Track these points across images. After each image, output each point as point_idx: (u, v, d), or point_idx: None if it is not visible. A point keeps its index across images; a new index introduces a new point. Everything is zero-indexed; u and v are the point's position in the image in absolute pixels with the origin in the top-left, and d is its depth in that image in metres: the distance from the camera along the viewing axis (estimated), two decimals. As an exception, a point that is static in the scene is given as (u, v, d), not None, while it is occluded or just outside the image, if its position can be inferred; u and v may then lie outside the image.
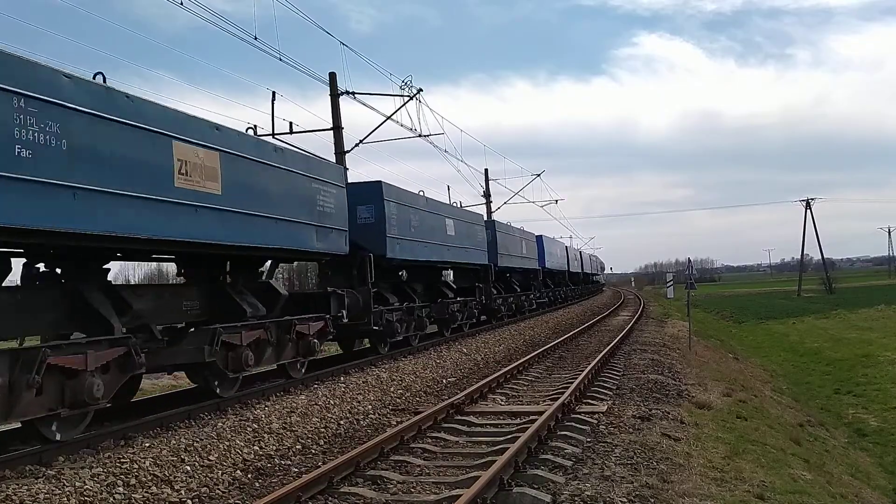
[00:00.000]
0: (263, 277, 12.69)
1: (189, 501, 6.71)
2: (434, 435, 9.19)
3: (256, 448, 8.46)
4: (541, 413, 9.54)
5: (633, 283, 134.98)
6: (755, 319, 51.61)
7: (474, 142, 52.90)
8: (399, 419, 10.40)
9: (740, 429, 11.25)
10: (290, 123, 21.19)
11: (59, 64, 7.53)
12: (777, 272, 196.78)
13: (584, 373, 13.10)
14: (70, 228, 7.34)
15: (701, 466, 7.99)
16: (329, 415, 10.33)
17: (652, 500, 6.47)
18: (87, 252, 8.61)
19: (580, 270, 59.81)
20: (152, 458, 7.43)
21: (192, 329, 10.41)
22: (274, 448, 8.61)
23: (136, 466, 7.14)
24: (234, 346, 10.45)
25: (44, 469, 6.92)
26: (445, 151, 28.88)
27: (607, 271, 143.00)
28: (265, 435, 8.92)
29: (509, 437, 8.65)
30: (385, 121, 23.47)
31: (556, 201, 58.92)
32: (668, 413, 10.71)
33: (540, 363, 16.62)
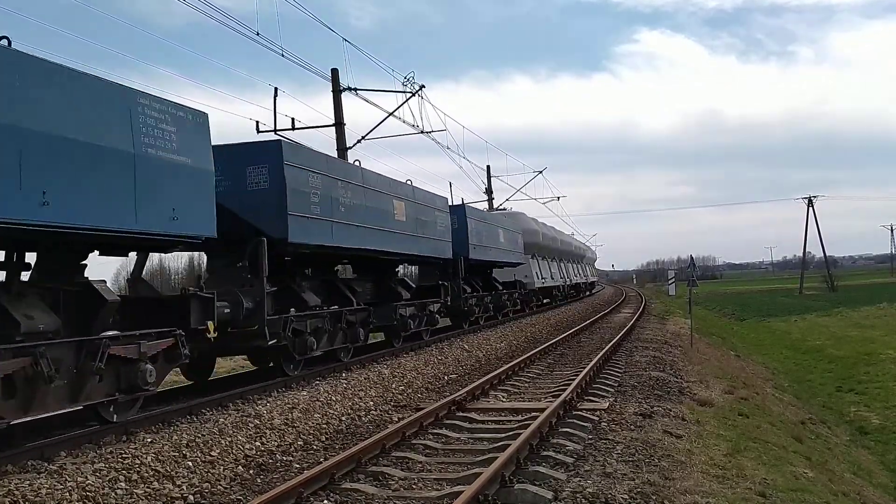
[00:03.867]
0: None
1: (191, 497, 6.71)
2: (436, 431, 9.19)
3: (258, 444, 8.46)
4: (542, 410, 9.54)
5: (634, 280, 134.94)
6: (757, 317, 51.60)
7: (476, 138, 53.18)
8: (401, 416, 10.40)
9: (742, 426, 11.25)
10: (293, 119, 21.25)
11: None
12: (779, 270, 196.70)
13: (586, 370, 13.09)
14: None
15: (702, 464, 7.98)
16: (331, 411, 10.33)
17: (653, 498, 6.46)
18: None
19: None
20: (154, 453, 7.44)
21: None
22: (275, 444, 8.61)
23: (138, 462, 7.15)
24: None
25: (46, 464, 6.93)
26: (447, 148, 29.01)
27: (608, 268, 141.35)
28: (267, 431, 8.92)
29: (511, 433, 8.64)
30: (387, 117, 23.52)
31: (559, 198, 58.45)
32: (670, 410, 10.71)
33: (542, 360, 16.61)
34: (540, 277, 34.94)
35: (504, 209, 39.54)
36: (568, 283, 45.68)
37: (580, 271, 54.80)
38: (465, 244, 21.70)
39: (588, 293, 60.23)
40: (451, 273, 20.80)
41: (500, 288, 26.98)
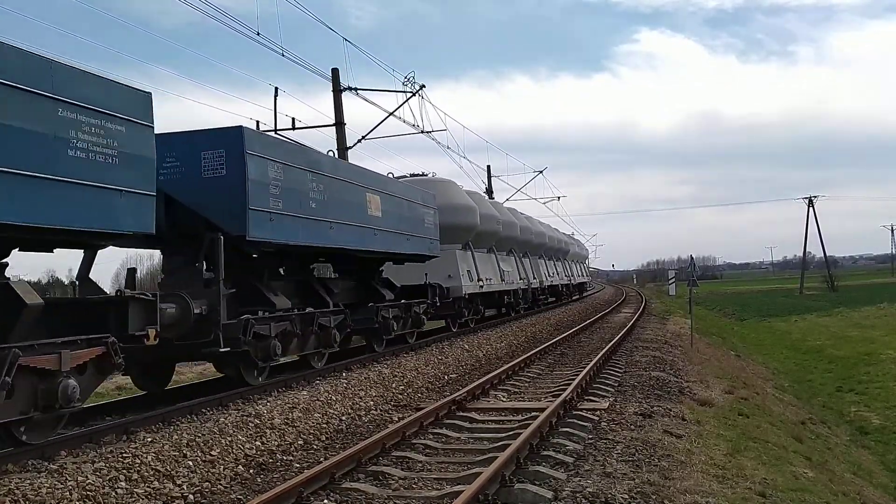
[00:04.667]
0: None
1: (191, 496, 6.72)
2: (436, 431, 9.19)
3: (258, 443, 8.47)
4: (542, 409, 9.54)
5: (634, 280, 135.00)
6: (757, 317, 51.63)
7: (477, 138, 53.14)
8: (401, 415, 10.40)
9: (742, 426, 11.25)
10: (293, 119, 21.24)
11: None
12: (779, 270, 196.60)
13: (586, 370, 13.09)
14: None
15: (702, 464, 7.99)
16: (331, 410, 10.34)
17: (653, 497, 6.47)
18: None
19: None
20: (154, 452, 7.44)
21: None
22: (276, 443, 8.62)
23: (139, 461, 7.15)
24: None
25: (46, 463, 6.93)
26: (448, 147, 28.90)
27: (608, 268, 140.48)
28: (267, 430, 8.92)
29: (511, 433, 8.65)
30: (388, 117, 23.48)
31: (559, 198, 58.19)
32: (670, 410, 10.71)
33: (542, 360, 16.62)
34: (474, 278, 23.03)
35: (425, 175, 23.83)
36: (538, 285, 33.78)
37: (562, 270, 42.18)
38: (240, 208, 10.50)
39: (577, 297, 49.78)
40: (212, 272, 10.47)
41: (388, 296, 16.32)
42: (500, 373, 13.43)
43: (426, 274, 19.06)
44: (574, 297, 48.28)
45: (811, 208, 77.76)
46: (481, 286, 23.55)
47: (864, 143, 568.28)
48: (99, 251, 9.62)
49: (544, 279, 35.57)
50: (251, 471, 7.66)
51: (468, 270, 22.80)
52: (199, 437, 8.16)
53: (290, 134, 20.48)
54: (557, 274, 40.12)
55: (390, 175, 17.03)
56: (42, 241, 8.20)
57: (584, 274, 58.03)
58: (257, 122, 20.19)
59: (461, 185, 24.36)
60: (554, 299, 40.04)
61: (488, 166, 44.67)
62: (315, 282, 14.18)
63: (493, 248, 26.72)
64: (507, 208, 32.45)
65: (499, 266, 26.78)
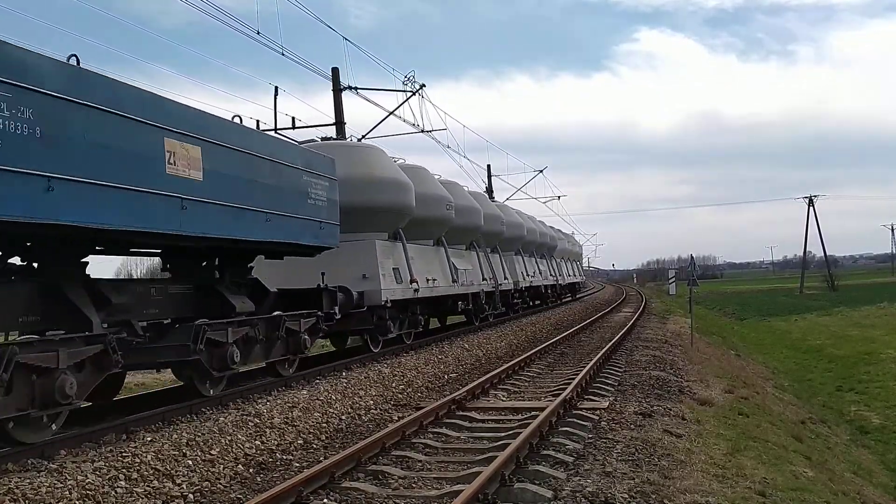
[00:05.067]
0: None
1: (191, 496, 6.72)
2: (435, 430, 9.19)
3: (258, 443, 8.47)
4: (542, 409, 9.54)
5: (634, 279, 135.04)
6: (757, 316, 51.67)
7: (477, 137, 52.93)
8: (400, 414, 10.40)
9: (742, 425, 11.25)
10: (293, 118, 21.18)
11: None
12: (779, 269, 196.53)
13: (586, 369, 13.09)
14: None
15: (702, 463, 7.99)
16: (331, 410, 10.34)
17: (653, 497, 6.46)
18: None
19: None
20: (154, 452, 7.44)
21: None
22: (275, 443, 8.61)
23: (138, 460, 7.15)
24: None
25: (46, 462, 6.94)
26: (448, 147, 28.65)
27: (609, 268, 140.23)
28: (267, 430, 8.92)
29: (511, 432, 8.64)
30: (388, 116, 23.44)
31: (559, 197, 58.25)
32: (670, 409, 10.71)
33: (542, 359, 16.61)
34: (403, 279, 17.33)
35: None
36: (511, 286, 28.31)
37: (546, 269, 36.70)
38: None
39: (568, 298, 44.99)
40: None
41: (244, 307, 11.29)
42: (499, 372, 13.43)
43: (322, 274, 13.68)
44: (565, 299, 43.80)
45: (811, 208, 77.91)
46: (416, 290, 17.73)
47: (864, 142, 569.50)
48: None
49: (521, 279, 30.32)
50: (251, 470, 7.66)
51: (394, 268, 17.19)
52: (199, 436, 8.17)
53: (291, 133, 20.45)
54: (540, 273, 34.75)
55: (237, 118, 10.87)
56: None
57: (578, 273, 50.91)
58: (258, 121, 20.17)
59: (393, 155, 18.62)
60: (539, 302, 35.61)
61: (488, 166, 44.66)
62: (72, 288, 8.33)
63: (442, 241, 21.26)
64: (472, 192, 25.90)
65: (449, 263, 21.13)
